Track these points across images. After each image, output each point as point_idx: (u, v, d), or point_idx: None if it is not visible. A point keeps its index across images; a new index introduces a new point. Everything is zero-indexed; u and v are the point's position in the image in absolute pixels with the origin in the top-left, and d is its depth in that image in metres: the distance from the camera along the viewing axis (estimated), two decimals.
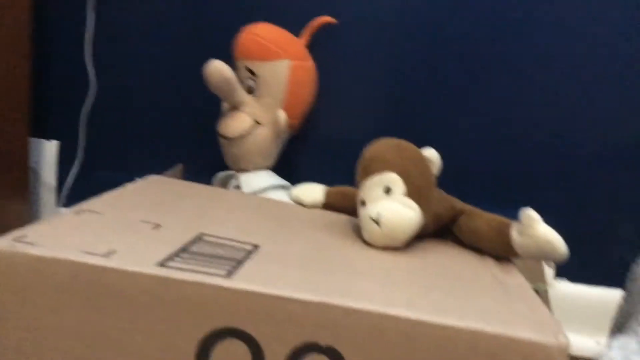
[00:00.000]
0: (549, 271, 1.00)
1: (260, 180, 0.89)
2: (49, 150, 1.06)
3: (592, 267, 1.03)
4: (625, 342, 0.34)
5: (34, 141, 1.04)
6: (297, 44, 0.90)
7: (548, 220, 0.99)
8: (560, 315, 0.98)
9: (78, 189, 1.03)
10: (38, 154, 1.06)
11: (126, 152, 1.07)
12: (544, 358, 0.40)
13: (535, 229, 0.56)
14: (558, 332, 0.42)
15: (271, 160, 0.92)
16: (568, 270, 1.03)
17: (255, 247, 0.52)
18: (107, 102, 1.05)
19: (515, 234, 0.58)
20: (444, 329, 0.41)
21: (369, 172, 0.60)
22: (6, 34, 0.89)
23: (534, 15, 0.95)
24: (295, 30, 0.93)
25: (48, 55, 1.05)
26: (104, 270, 0.42)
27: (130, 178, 0.72)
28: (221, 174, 0.94)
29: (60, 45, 1.04)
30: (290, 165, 1.02)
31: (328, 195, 0.73)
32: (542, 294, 0.77)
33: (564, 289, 1.03)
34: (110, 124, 1.06)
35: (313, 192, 0.73)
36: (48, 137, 1.06)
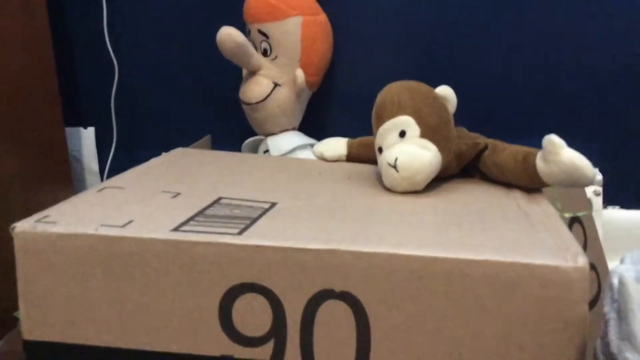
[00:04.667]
0: (596, 200, 0.97)
1: (287, 142, 0.89)
2: (87, 138, 1.10)
3: None
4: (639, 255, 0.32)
5: (72, 130, 1.08)
6: None
7: (593, 147, 0.96)
8: (612, 243, 0.95)
9: (118, 170, 1.07)
10: (78, 142, 1.10)
11: (157, 129, 1.09)
12: (563, 282, 0.39)
13: (560, 155, 0.54)
14: (578, 254, 0.40)
15: (296, 120, 0.92)
16: (619, 198, 1.00)
17: (273, 204, 0.52)
18: (131, 83, 1.07)
19: (539, 162, 0.56)
20: (456, 262, 0.40)
21: (382, 118, 0.59)
22: (26, 32, 0.91)
23: None
24: None
25: (69, 45, 1.08)
26: (121, 239, 0.43)
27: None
28: (249, 141, 0.95)
29: (79, 34, 1.07)
30: (318, 122, 1.01)
31: (350, 147, 0.72)
32: (585, 220, 0.75)
33: (615, 217, 1.00)
34: (138, 103, 1.08)
35: (335, 145, 0.73)
36: (83, 124, 1.10)
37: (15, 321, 0.82)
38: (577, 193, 0.78)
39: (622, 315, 0.30)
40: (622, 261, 0.34)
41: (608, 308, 0.32)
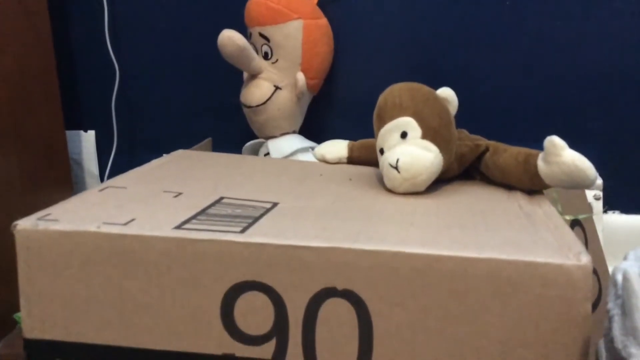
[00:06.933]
0: (597, 204, 0.97)
1: (288, 145, 0.89)
2: (87, 141, 1.10)
3: None
4: None
5: (72, 133, 1.08)
6: (308, 3, 0.89)
7: (593, 151, 0.96)
8: (613, 248, 0.95)
9: (118, 174, 1.07)
10: (78, 145, 1.10)
11: (158, 132, 1.09)
12: (566, 280, 0.39)
13: (561, 156, 0.54)
14: (580, 253, 0.41)
15: (297, 123, 0.92)
16: (620, 202, 1.00)
17: (275, 204, 0.52)
18: (132, 87, 1.07)
19: (541, 163, 0.56)
20: (459, 261, 0.40)
21: (383, 119, 0.60)
22: (27, 34, 0.92)
23: None
24: None
25: (70, 48, 1.08)
26: (124, 237, 0.43)
27: None
28: (250, 144, 0.95)
29: (81, 37, 1.07)
30: (318, 126, 1.02)
31: (351, 149, 0.72)
32: (585, 223, 0.75)
33: (616, 221, 1.00)
34: (138, 107, 1.08)
35: (336, 148, 0.73)
36: (84, 128, 1.10)
37: (14, 323, 0.81)
38: (577, 195, 0.78)
39: (626, 310, 0.30)
40: (625, 258, 0.34)
41: (612, 304, 0.32)
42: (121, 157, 1.10)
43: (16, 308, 0.80)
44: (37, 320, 0.45)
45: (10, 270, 0.83)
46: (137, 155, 1.10)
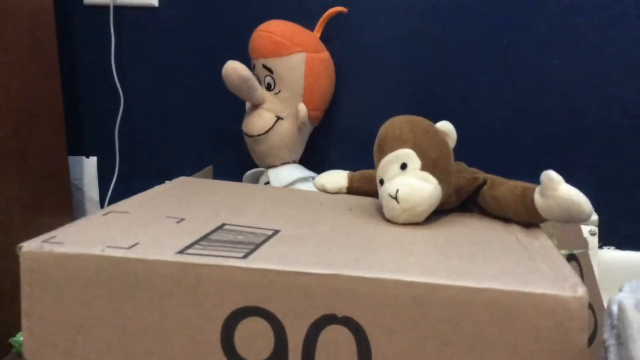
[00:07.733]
0: (592, 239, 0.98)
1: (288, 174, 0.90)
2: (89, 167, 1.11)
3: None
4: (638, 284, 0.33)
5: (74, 159, 1.09)
6: (311, 37, 0.91)
7: (589, 187, 0.98)
8: (608, 283, 0.95)
9: (119, 200, 1.07)
10: (79, 171, 1.11)
11: (160, 160, 1.10)
12: (562, 311, 0.40)
13: (557, 190, 0.55)
14: (577, 285, 0.41)
15: (297, 153, 0.94)
16: (615, 238, 1.01)
17: (276, 232, 0.53)
18: (136, 114, 1.09)
19: (537, 196, 0.57)
20: (457, 290, 0.41)
21: (384, 150, 0.61)
22: (34, 60, 0.93)
23: None
24: (309, 24, 0.94)
25: (77, 75, 1.10)
26: (127, 261, 0.44)
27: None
28: (250, 172, 0.96)
29: (87, 64, 1.09)
30: (318, 156, 1.03)
31: (351, 180, 0.73)
32: (581, 258, 0.75)
33: (611, 257, 1.00)
34: (141, 134, 1.10)
35: (336, 178, 0.74)
36: (86, 154, 1.11)
37: (9, 348, 0.81)
38: (574, 230, 0.79)
39: (622, 340, 0.30)
40: (620, 289, 0.34)
41: (607, 335, 0.32)
42: (122, 184, 1.10)
43: (11, 332, 0.80)
44: (38, 343, 0.45)
45: (5, 294, 0.83)
46: (138, 183, 1.10)
